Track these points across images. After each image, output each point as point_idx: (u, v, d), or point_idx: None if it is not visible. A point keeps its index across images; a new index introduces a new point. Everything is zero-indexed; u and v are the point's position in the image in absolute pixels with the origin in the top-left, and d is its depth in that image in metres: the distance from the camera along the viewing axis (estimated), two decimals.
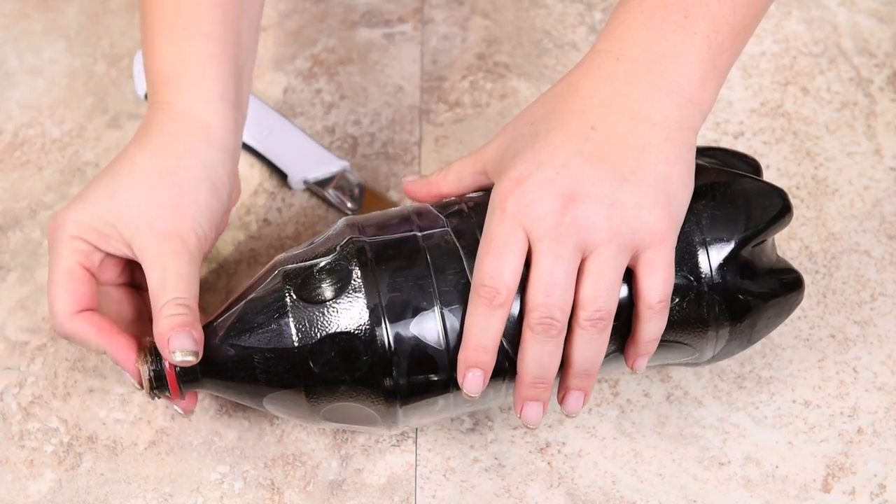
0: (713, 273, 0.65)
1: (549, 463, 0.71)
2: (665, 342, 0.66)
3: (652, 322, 0.63)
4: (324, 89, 0.88)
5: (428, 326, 0.63)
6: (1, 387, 0.74)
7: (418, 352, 0.63)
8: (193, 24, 0.69)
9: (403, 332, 0.63)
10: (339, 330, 0.63)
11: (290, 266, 0.65)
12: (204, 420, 0.72)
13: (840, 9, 0.91)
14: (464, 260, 0.64)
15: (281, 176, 0.83)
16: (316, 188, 0.82)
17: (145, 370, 0.65)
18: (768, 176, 0.82)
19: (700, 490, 0.70)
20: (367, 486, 0.70)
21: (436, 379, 0.64)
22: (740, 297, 0.65)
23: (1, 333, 0.76)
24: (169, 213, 0.66)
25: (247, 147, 0.84)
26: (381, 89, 0.88)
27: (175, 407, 0.68)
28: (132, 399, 0.73)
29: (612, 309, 0.62)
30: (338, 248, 0.65)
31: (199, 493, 0.70)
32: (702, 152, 0.69)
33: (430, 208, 0.67)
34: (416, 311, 0.63)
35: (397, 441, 0.72)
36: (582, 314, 0.61)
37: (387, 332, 0.63)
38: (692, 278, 0.64)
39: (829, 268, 0.78)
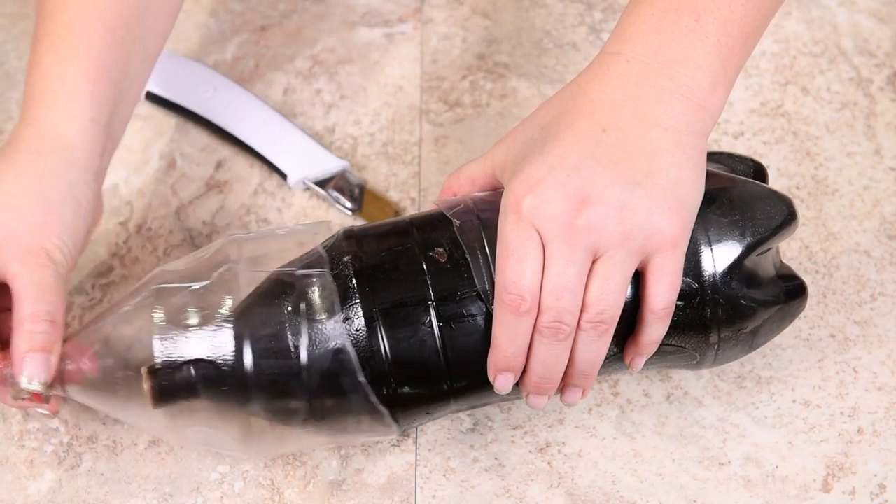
0: (717, 279, 0.64)
1: (549, 463, 0.71)
2: (667, 346, 0.66)
3: (654, 326, 0.63)
4: (324, 89, 0.88)
5: (427, 341, 0.64)
6: None
7: (417, 365, 0.64)
8: (80, 45, 0.70)
9: (401, 348, 0.64)
10: (336, 346, 0.63)
11: (285, 279, 0.65)
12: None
13: (840, 9, 0.91)
14: (466, 272, 0.64)
15: (281, 176, 0.83)
16: (316, 188, 0.82)
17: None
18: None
19: (700, 490, 0.70)
20: (367, 486, 0.70)
21: (436, 392, 0.65)
22: (743, 303, 0.65)
23: None
24: (35, 230, 0.66)
25: (247, 147, 0.84)
26: (381, 89, 0.88)
27: (39, 410, 0.68)
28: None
29: (616, 313, 0.62)
30: (337, 265, 0.65)
31: (199, 493, 0.70)
32: (708, 157, 0.69)
33: (432, 215, 0.67)
34: (413, 328, 0.63)
35: (397, 441, 0.72)
36: (585, 316, 0.61)
37: (385, 348, 0.63)
38: (696, 284, 0.64)
39: (829, 268, 0.78)
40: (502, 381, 0.64)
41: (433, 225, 0.66)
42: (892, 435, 0.71)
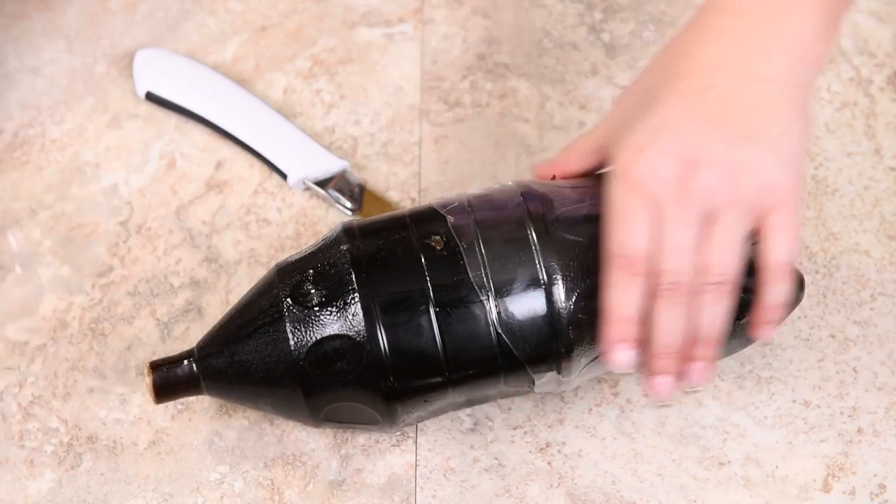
0: None
1: (549, 463, 0.71)
2: None
3: (778, 285, 0.61)
4: (324, 89, 0.88)
5: (424, 328, 0.63)
6: (1, 387, 0.74)
7: (414, 352, 0.64)
8: None
9: (398, 335, 0.63)
10: (333, 333, 0.63)
11: (286, 272, 0.66)
12: (204, 420, 0.72)
13: None
14: (462, 260, 0.64)
15: (281, 176, 0.83)
16: (316, 188, 0.82)
17: None
18: None
19: (700, 490, 0.70)
20: (367, 486, 0.70)
21: (433, 380, 0.65)
22: (741, 294, 0.65)
23: (1, 333, 0.76)
24: None
25: (247, 147, 0.84)
26: (381, 89, 0.88)
27: None
28: (132, 399, 0.73)
29: (735, 274, 0.60)
30: (335, 254, 0.65)
31: (199, 493, 0.70)
32: None
33: (427, 210, 0.67)
34: (410, 314, 0.63)
35: (397, 441, 0.72)
36: (705, 279, 0.60)
37: (381, 335, 0.63)
38: None
39: (829, 268, 0.78)
40: (622, 356, 0.61)
41: (430, 217, 0.67)
42: (892, 435, 0.71)
